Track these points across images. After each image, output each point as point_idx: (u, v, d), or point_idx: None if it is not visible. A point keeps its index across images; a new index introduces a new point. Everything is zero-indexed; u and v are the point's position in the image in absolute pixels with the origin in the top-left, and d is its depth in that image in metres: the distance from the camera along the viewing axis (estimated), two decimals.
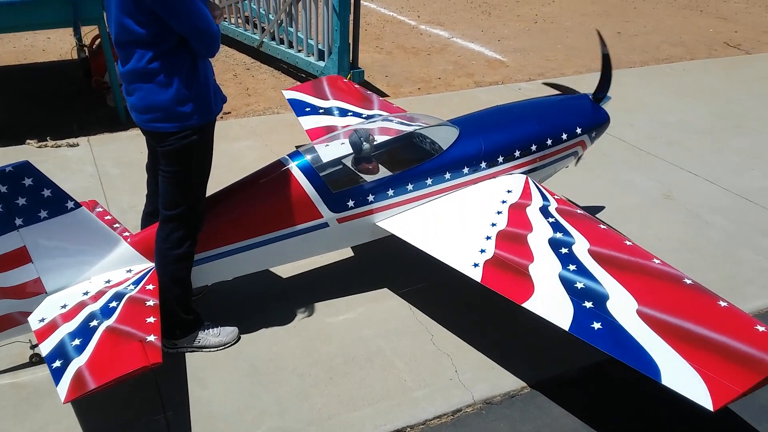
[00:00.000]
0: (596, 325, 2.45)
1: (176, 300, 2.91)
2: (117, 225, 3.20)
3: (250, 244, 3.03)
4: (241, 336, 3.17)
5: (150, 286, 2.79)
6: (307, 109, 4.29)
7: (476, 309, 3.43)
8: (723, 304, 2.46)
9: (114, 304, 2.68)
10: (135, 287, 2.78)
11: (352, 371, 3.02)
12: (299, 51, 6.81)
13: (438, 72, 7.48)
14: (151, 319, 2.61)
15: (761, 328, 2.33)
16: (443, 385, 2.97)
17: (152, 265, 2.90)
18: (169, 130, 2.64)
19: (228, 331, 3.12)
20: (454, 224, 3.17)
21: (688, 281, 2.59)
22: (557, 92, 4.17)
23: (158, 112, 2.62)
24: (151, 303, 2.70)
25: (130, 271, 2.89)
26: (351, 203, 3.14)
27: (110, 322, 2.59)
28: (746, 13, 11.33)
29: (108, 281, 2.82)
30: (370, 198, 3.18)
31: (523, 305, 2.63)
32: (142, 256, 2.91)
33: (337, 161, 3.27)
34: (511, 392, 2.96)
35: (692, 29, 9.88)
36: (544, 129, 3.59)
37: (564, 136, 3.65)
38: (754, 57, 8.55)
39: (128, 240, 2.92)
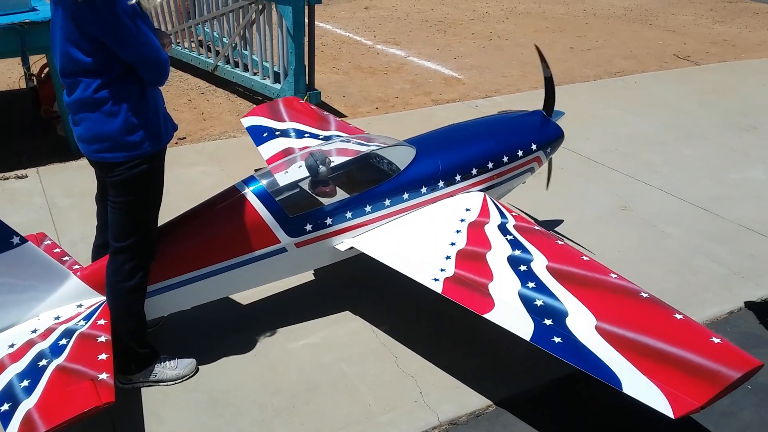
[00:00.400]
0: (557, 340, 2.45)
1: (130, 334, 2.83)
2: (66, 258, 3.11)
3: (207, 273, 2.96)
4: (200, 367, 3.09)
5: (101, 321, 2.71)
6: (265, 134, 4.25)
7: (440, 328, 3.41)
8: (679, 316, 2.48)
9: (64, 341, 2.58)
10: (86, 323, 2.69)
11: (314, 398, 2.96)
12: (255, 74, 6.77)
13: (395, 91, 7.51)
14: (103, 356, 2.52)
15: (717, 340, 2.35)
16: (408, 407, 2.93)
17: (104, 298, 2.81)
18: (117, 160, 2.57)
19: (185, 364, 3.03)
20: (413, 246, 3.15)
21: (645, 294, 2.61)
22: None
23: (106, 142, 2.55)
24: (102, 339, 2.62)
25: (80, 305, 2.80)
26: (309, 227, 3.10)
27: (60, 360, 2.49)
28: (694, 25, 11.68)
29: (57, 317, 2.72)
30: (329, 221, 3.14)
31: (485, 316, 2.63)
32: (93, 290, 2.82)
33: (294, 185, 3.24)
34: (477, 411, 2.93)
35: (643, 42, 10.13)
36: (500, 146, 3.61)
37: (520, 153, 3.67)
38: (702, 68, 8.80)
39: (78, 274, 2.83)
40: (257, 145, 4.20)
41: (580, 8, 12.87)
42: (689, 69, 8.72)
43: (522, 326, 2.54)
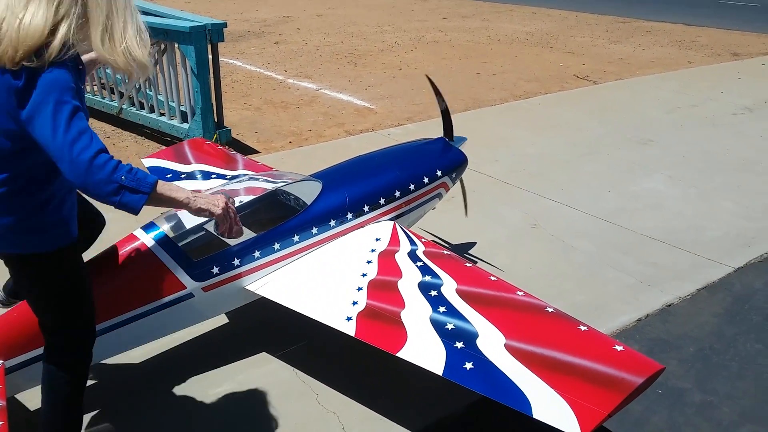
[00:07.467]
0: (468, 365, 2.47)
1: None
2: None
3: (108, 326, 2.83)
4: (111, 425, 2.95)
5: None
6: (169, 176, 4.15)
7: (358, 361, 3.38)
8: (583, 328, 2.56)
9: None
10: None
11: None
12: (161, 115, 6.64)
13: (308, 124, 7.53)
14: None
15: (619, 348, 2.44)
16: None
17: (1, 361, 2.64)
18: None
19: (100, 429, 2.88)
20: (325, 279, 3.13)
21: (550, 309, 2.68)
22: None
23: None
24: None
25: None
26: (216, 270, 3.03)
27: None
28: (591, 46, 12.29)
29: None
30: (236, 262, 3.08)
31: (398, 355, 2.61)
32: None
33: (198, 227, 3.16)
34: None
35: (544, 65, 10.57)
36: (405, 175, 3.66)
37: (426, 180, 3.73)
38: (600, 87, 9.25)
39: None
40: None
41: (484, 35, 13.34)
42: (588, 88, 9.15)
43: (434, 358, 2.53)
